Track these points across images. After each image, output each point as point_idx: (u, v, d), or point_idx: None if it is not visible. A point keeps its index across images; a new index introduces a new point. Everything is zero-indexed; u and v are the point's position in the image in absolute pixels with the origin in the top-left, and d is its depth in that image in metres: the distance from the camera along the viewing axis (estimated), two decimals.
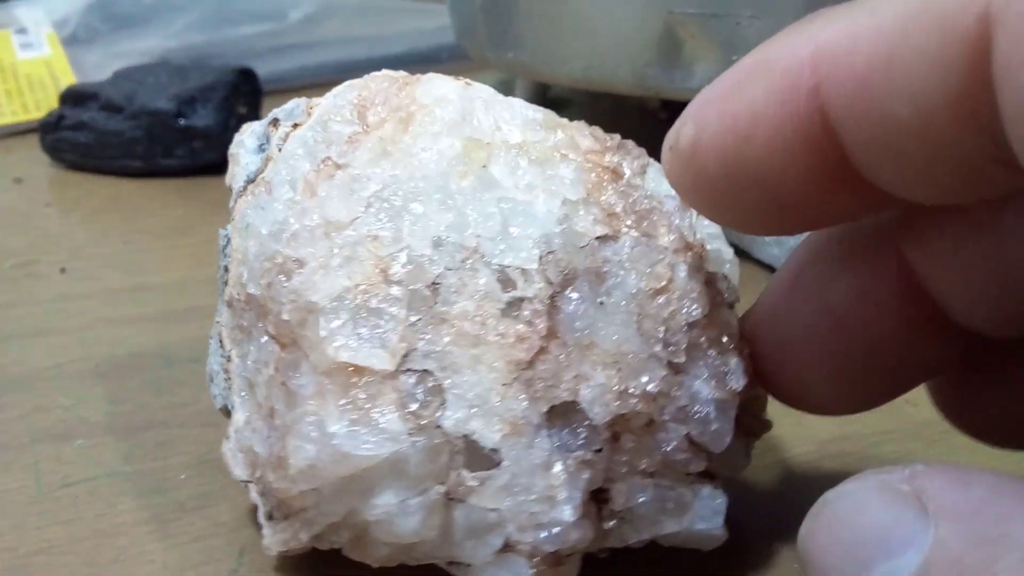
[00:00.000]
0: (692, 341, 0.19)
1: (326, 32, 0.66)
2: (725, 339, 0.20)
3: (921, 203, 0.16)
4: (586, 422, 0.19)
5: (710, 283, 0.20)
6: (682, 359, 0.19)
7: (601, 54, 0.39)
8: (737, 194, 0.17)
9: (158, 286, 0.35)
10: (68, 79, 0.56)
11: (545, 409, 0.18)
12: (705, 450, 0.20)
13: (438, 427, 0.18)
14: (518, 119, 0.21)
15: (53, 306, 0.34)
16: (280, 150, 0.21)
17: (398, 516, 0.18)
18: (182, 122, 0.46)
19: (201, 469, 0.25)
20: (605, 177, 0.20)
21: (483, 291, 0.19)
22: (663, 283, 0.19)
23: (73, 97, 0.48)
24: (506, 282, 0.19)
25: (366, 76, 0.22)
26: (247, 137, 0.22)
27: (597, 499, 0.19)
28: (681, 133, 0.17)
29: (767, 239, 0.36)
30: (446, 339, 0.18)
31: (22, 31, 0.60)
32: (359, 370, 0.18)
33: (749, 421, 0.21)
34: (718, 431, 0.20)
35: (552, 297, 0.19)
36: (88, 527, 0.23)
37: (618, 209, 0.20)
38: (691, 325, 0.19)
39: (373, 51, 0.66)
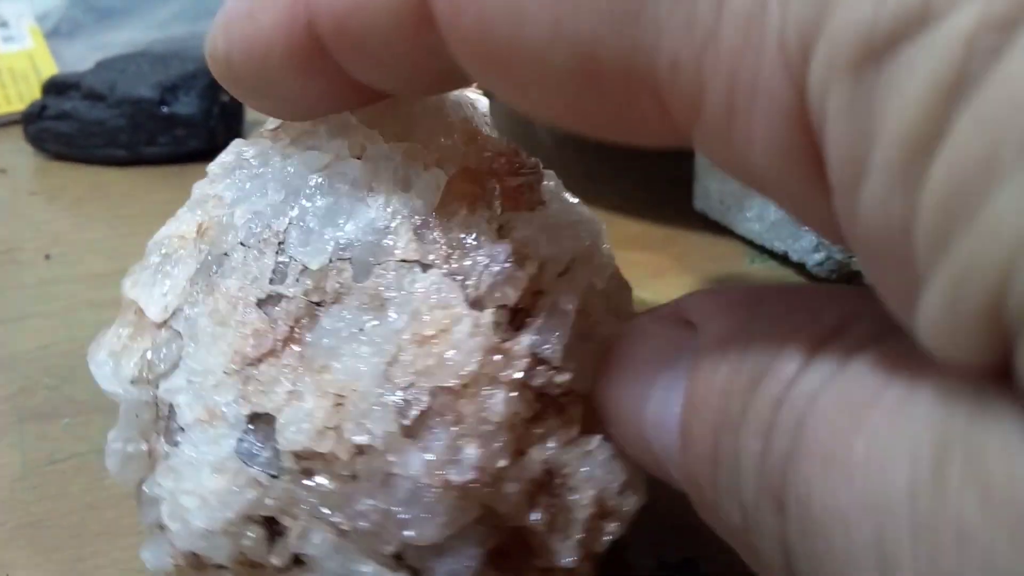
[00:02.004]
0: (437, 408, 0.16)
1: None
2: (482, 423, 0.16)
3: (394, 93, 0.18)
4: (274, 443, 0.17)
5: (501, 352, 0.17)
6: (408, 422, 0.16)
7: None
8: (268, 97, 0.19)
9: None
10: (51, 71, 0.56)
11: (246, 412, 0.17)
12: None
13: (156, 387, 0.18)
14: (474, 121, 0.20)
15: (38, 291, 0.34)
16: None
17: (107, 453, 0.19)
18: (165, 110, 0.46)
19: None
20: (461, 201, 0.18)
21: (255, 275, 0.18)
22: (433, 333, 0.17)
23: (55, 87, 0.48)
24: (281, 274, 0.18)
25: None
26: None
27: (272, 529, 0.17)
28: (216, 45, 0.18)
29: (748, 214, 0.36)
30: (206, 309, 0.18)
31: (4, 24, 0.60)
32: (139, 311, 0.19)
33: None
34: (417, 520, 0.16)
35: (316, 304, 0.18)
36: (75, 501, 0.23)
37: (442, 239, 0.18)
38: (443, 391, 0.16)
39: None
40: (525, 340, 0.17)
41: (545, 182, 0.19)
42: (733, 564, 0.21)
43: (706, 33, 0.12)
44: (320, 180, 0.18)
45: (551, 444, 0.17)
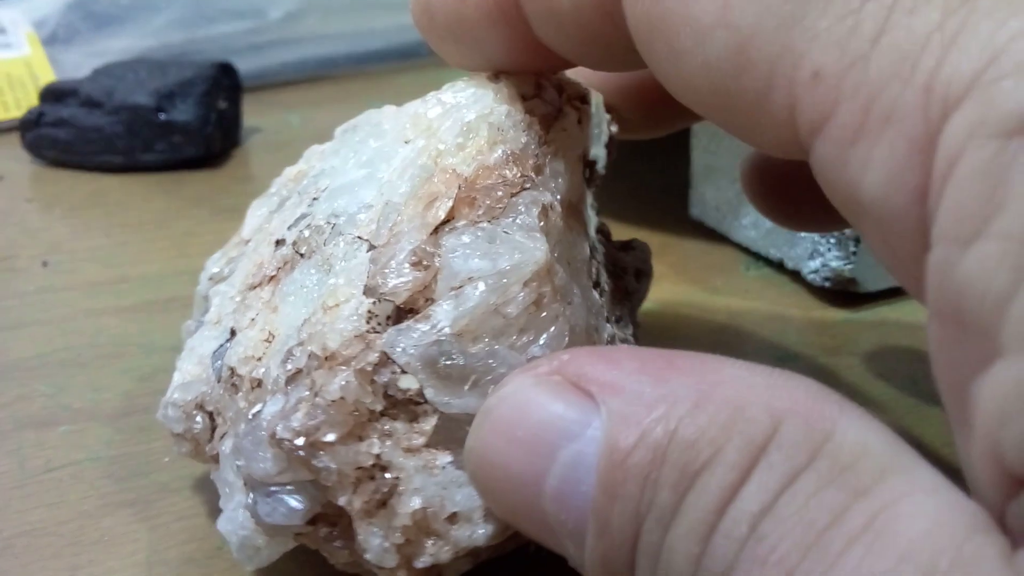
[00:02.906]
0: (306, 369, 0.18)
1: (306, 29, 0.66)
2: (321, 395, 0.18)
3: (588, 66, 0.20)
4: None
5: (364, 340, 0.18)
6: (287, 374, 0.18)
7: None
8: (457, 41, 0.20)
9: (139, 278, 0.35)
10: (48, 78, 0.56)
11: (230, 325, 0.21)
12: None
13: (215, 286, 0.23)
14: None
15: (35, 298, 0.34)
16: None
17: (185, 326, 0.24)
18: (162, 117, 0.46)
19: None
20: (452, 186, 0.19)
21: (286, 219, 0.21)
22: (334, 304, 0.18)
23: (53, 94, 0.48)
24: (298, 224, 0.21)
25: None
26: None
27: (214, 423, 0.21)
28: None
29: (743, 222, 0.36)
30: (258, 238, 0.22)
31: (1, 31, 0.60)
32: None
33: None
34: (251, 455, 0.18)
35: (300, 255, 0.20)
36: (72, 509, 0.23)
37: (394, 227, 0.19)
38: (313, 356, 0.18)
39: (353, 47, 0.66)
40: (384, 338, 0.18)
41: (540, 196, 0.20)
42: None
43: (858, 55, 0.13)
44: (366, 158, 0.21)
45: (388, 443, 0.18)
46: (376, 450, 0.18)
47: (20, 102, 0.54)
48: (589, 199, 0.23)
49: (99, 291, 0.34)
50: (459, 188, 0.18)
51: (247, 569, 0.21)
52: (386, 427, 0.18)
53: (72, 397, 0.28)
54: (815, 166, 0.14)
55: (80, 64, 0.57)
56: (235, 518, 0.19)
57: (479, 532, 0.18)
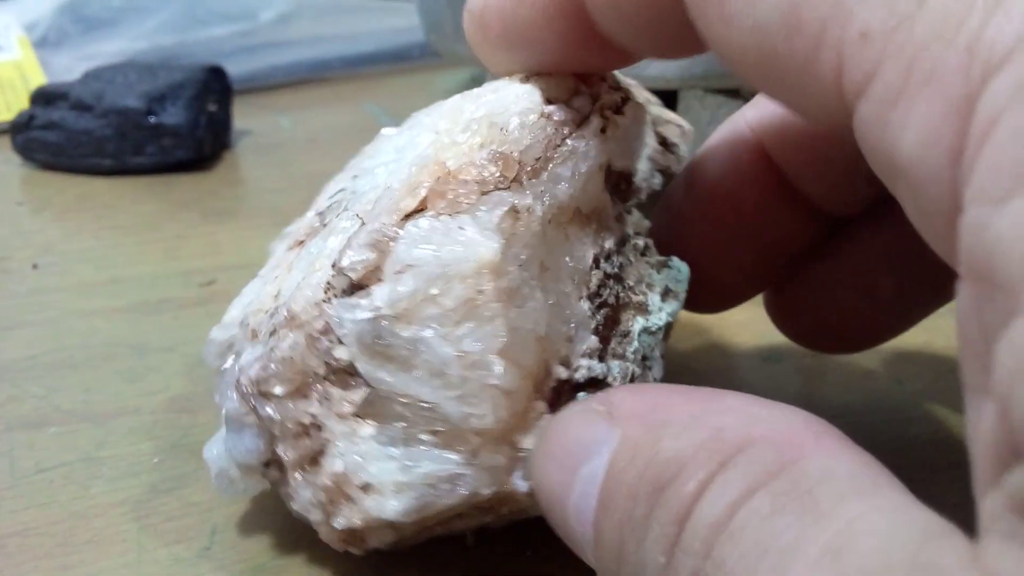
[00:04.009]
0: (278, 327, 0.20)
1: (297, 32, 0.66)
2: (275, 351, 0.19)
3: (651, 57, 0.20)
4: None
5: (319, 309, 0.19)
6: (270, 328, 0.20)
7: None
8: (511, 46, 0.21)
9: (130, 279, 0.36)
10: (39, 81, 0.56)
11: (273, 276, 0.22)
12: None
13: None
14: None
15: (26, 300, 0.34)
16: None
17: None
18: (152, 120, 0.46)
19: (174, 453, 0.25)
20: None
21: (330, 191, 0.23)
22: (313, 271, 0.20)
23: (43, 97, 0.48)
24: (336, 199, 0.22)
25: None
26: None
27: None
28: (474, 1, 0.21)
29: None
30: None
31: None
32: None
33: None
34: (223, 394, 0.21)
35: (323, 226, 0.22)
36: (63, 510, 0.23)
37: (379, 212, 0.19)
38: (285, 316, 0.19)
39: (344, 50, 0.66)
40: (329, 308, 0.19)
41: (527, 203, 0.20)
42: None
43: (904, 16, 0.13)
44: (401, 144, 0.22)
45: (325, 406, 0.19)
46: (314, 410, 0.19)
47: (11, 105, 0.54)
48: (615, 210, 0.22)
49: (90, 293, 0.35)
50: (437, 180, 0.19)
51: (224, 498, 0.23)
52: (326, 391, 0.19)
53: (63, 398, 0.28)
54: (858, 130, 0.14)
55: (71, 67, 0.57)
56: (215, 448, 0.21)
57: (389, 505, 0.18)
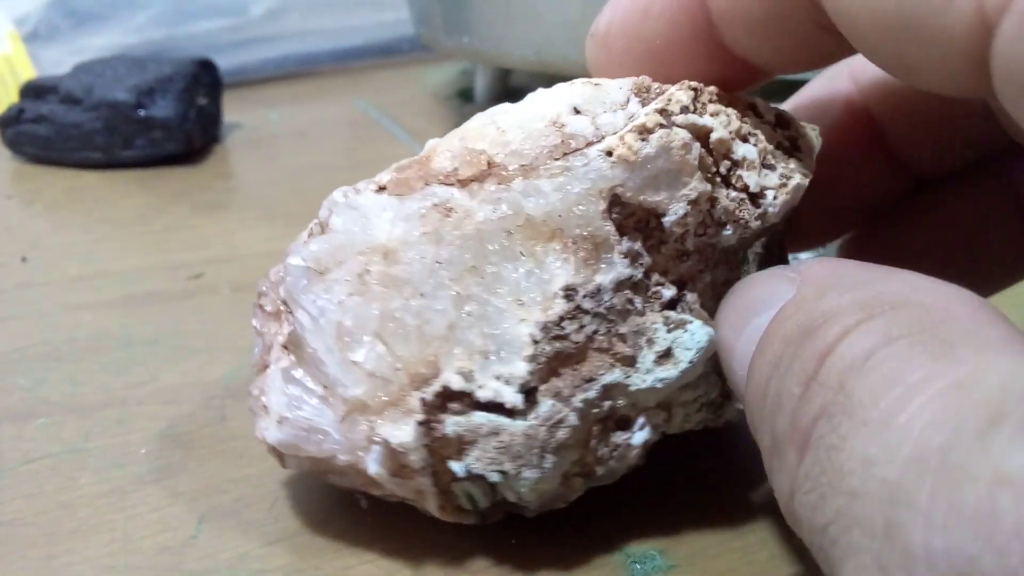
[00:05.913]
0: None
1: (287, 26, 0.66)
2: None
3: (773, 70, 0.21)
4: None
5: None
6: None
7: (551, 37, 0.40)
8: (635, 62, 0.21)
9: (117, 273, 0.36)
10: (29, 75, 0.56)
11: None
12: None
13: None
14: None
15: (14, 293, 0.34)
16: None
17: None
18: (141, 113, 0.46)
19: (160, 444, 0.25)
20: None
21: None
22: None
23: (33, 90, 0.48)
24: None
25: None
26: None
27: None
28: (599, 22, 0.21)
29: None
30: None
31: None
32: None
33: None
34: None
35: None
36: (49, 500, 0.23)
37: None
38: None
39: (334, 44, 0.66)
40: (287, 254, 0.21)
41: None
42: (695, 556, 0.21)
43: None
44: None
45: (276, 331, 0.22)
46: (274, 331, 0.22)
47: (0, 99, 0.54)
48: (625, 246, 0.20)
49: (78, 286, 0.35)
50: (415, 160, 0.20)
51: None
52: (281, 318, 0.22)
53: (50, 390, 0.28)
54: (998, 54, 0.15)
55: (61, 61, 0.57)
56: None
57: (271, 432, 0.21)
